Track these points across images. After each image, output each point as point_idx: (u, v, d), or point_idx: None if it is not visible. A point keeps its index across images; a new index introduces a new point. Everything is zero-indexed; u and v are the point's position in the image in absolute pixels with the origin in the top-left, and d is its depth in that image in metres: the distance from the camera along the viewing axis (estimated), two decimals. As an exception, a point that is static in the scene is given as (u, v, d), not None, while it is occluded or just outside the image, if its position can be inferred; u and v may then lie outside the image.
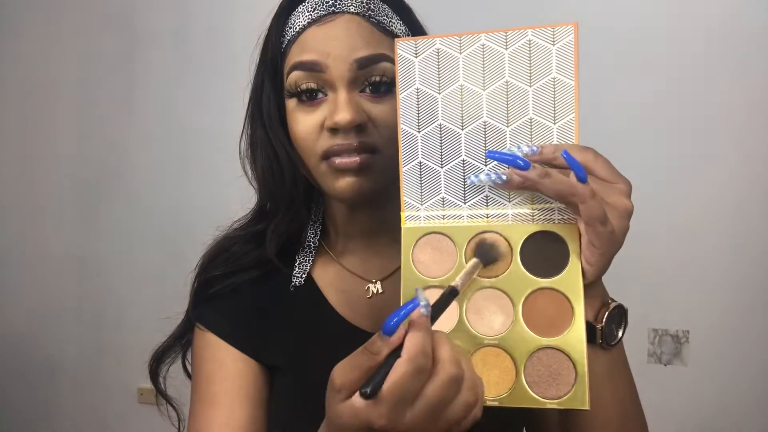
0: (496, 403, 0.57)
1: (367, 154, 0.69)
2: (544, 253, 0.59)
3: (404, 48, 0.61)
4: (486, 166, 0.60)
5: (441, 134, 0.61)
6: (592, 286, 0.59)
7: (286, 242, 0.78)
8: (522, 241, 0.59)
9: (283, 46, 0.72)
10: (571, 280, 0.58)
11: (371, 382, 0.49)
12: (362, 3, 0.71)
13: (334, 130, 0.68)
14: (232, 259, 0.79)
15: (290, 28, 0.72)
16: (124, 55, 2.21)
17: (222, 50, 2.10)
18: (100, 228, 2.27)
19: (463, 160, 0.61)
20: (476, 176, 0.59)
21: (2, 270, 2.37)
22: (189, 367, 0.83)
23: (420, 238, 0.62)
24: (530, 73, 0.59)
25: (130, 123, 2.21)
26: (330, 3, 0.70)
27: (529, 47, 0.59)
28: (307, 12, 0.71)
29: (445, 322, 0.59)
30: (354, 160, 0.68)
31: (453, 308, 0.59)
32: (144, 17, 2.19)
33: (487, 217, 0.60)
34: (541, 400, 0.57)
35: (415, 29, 0.75)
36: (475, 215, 0.61)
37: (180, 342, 0.83)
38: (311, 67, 0.69)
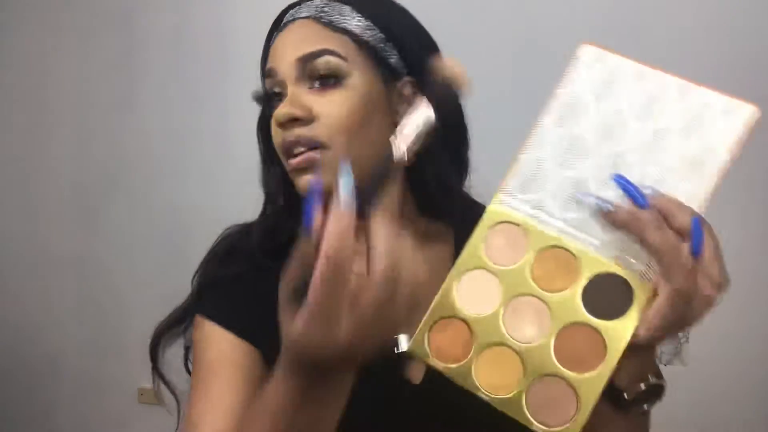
0: (488, 401, 0.57)
1: (315, 150, 0.71)
2: (607, 294, 0.57)
3: (584, 51, 0.61)
4: (599, 192, 0.58)
5: (574, 142, 0.60)
6: (639, 351, 0.57)
7: (287, 240, 0.79)
8: (593, 274, 0.58)
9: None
10: (619, 331, 0.56)
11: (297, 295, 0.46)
12: (315, 7, 0.74)
13: (282, 125, 0.72)
14: (234, 250, 0.83)
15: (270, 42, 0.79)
16: (124, 55, 2.21)
17: (222, 50, 2.10)
18: (100, 228, 2.26)
19: (580, 176, 0.59)
20: (585, 195, 0.58)
21: (2, 270, 2.36)
22: (190, 366, 0.84)
23: (498, 223, 0.61)
24: (690, 131, 0.57)
25: (130, 123, 2.21)
26: (290, 13, 0.76)
27: (702, 107, 0.57)
28: (277, 26, 0.78)
29: (480, 305, 0.59)
30: (303, 159, 0.71)
31: (495, 297, 0.59)
32: (144, 17, 2.19)
33: (572, 237, 0.59)
34: (530, 419, 0.56)
35: (385, 23, 0.75)
36: (562, 228, 0.59)
37: (180, 326, 0.84)
38: (269, 74, 0.75)
